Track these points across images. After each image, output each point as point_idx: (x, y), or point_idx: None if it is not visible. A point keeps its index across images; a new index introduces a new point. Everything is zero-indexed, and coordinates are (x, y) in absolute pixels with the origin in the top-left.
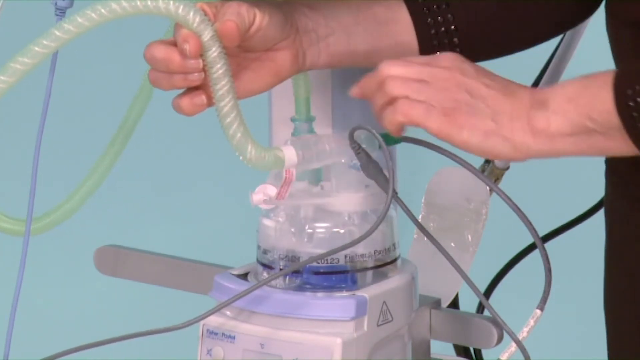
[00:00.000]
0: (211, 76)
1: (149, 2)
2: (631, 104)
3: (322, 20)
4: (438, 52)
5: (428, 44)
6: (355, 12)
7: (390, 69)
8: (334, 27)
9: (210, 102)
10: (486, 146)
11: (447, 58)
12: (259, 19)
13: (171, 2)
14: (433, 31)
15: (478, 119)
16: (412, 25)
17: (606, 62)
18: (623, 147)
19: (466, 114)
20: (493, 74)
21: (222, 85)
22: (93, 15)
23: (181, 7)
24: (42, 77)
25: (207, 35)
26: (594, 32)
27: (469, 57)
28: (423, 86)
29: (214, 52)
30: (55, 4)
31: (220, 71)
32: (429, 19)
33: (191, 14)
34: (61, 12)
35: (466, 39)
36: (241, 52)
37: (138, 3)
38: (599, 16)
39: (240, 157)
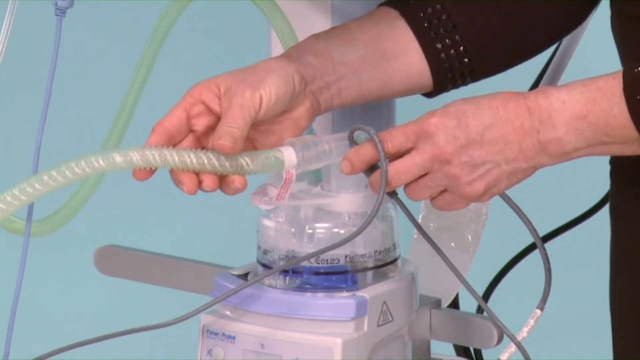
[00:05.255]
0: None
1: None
2: None
3: (330, 66)
4: (426, 114)
5: (440, 67)
6: (363, 50)
7: (400, 178)
8: (343, 72)
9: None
10: (513, 184)
11: (434, 130)
12: (266, 102)
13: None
14: (443, 55)
15: (494, 177)
16: (421, 53)
17: (606, 62)
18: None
19: (481, 181)
20: (477, 113)
21: None
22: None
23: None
24: (43, 75)
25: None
26: (594, 32)
27: (481, 74)
28: (431, 181)
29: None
30: (56, 4)
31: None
32: (438, 44)
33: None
34: (61, 12)
35: (476, 57)
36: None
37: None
38: (599, 16)
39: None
